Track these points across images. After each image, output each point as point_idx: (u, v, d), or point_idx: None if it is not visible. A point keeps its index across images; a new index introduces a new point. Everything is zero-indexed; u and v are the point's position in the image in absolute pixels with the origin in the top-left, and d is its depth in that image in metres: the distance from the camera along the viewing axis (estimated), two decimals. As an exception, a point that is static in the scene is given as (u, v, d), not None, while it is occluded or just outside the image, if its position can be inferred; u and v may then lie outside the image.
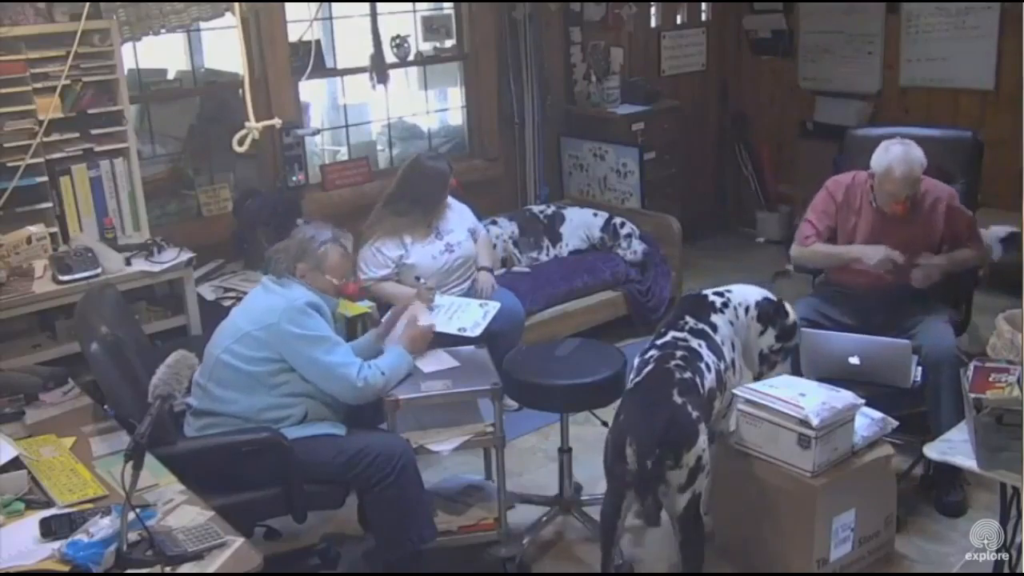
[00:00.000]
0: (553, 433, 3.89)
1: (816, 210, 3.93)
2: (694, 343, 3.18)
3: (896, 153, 3.60)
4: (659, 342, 3.21)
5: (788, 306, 3.47)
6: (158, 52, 4.91)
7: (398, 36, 5.43)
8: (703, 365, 3.11)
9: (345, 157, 5.60)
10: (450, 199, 4.37)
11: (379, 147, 5.88)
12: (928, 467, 3.65)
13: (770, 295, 3.46)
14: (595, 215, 5.37)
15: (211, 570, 2.18)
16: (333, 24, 5.37)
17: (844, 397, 3.14)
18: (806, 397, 3.09)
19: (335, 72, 5.43)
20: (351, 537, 3.48)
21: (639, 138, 5.97)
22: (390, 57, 5.37)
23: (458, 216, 4.38)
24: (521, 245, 5.17)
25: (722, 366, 3.19)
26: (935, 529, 3.51)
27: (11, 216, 3.77)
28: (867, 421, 3.24)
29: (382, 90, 5.35)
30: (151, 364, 2.60)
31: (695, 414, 2.89)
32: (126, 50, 4.18)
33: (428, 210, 4.21)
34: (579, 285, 5.07)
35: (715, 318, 3.31)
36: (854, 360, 3.51)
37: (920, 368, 3.53)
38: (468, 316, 3.97)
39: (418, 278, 4.12)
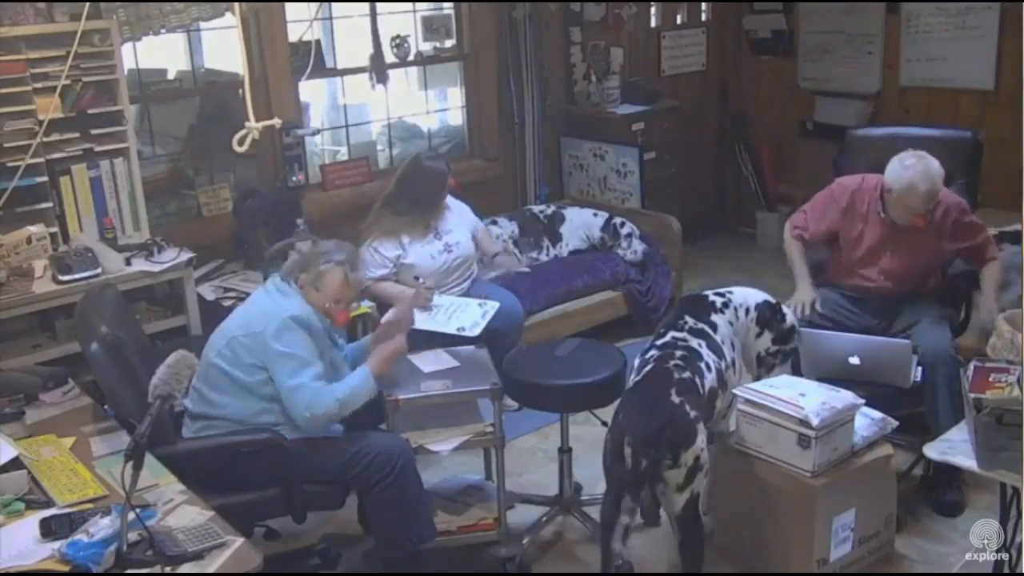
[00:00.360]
0: (553, 433, 3.89)
1: (815, 207, 3.92)
2: (694, 343, 3.18)
3: (918, 169, 3.54)
4: (659, 342, 3.21)
5: (787, 309, 3.47)
6: (158, 52, 4.91)
7: (398, 36, 5.43)
8: (703, 365, 3.11)
9: (345, 157, 5.60)
10: (449, 199, 4.37)
11: (379, 147, 5.88)
12: (928, 467, 3.66)
13: (770, 298, 3.46)
14: (595, 215, 5.37)
15: (211, 570, 2.19)
16: (333, 24, 5.37)
17: (844, 397, 3.14)
18: (806, 397, 3.09)
19: (335, 72, 5.43)
20: (351, 537, 3.48)
21: (639, 138, 5.97)
22: (390, 57, 5.37)
23: (457, 216, 4.37)
24: (521, 245, 5.17)
25: (723, 365, 3.20)
26: (935, 529, 3.51)
27: (11, 216, 3.77)
28: (867, 421, 3.24)
29: (382, 90, 5.35)
30: (151, 364, 2.60)
31: (693, 413, 2.89)
32: (126, 50, 4.18)
33: (427, 210, 4.21)
34: (579, 285, 5.07)
35: (715, 318, 3.31)
36: (854, 360, 3.51)
37: (920, 368, 3.53)
38: (467, 316, 3.98)
39: (417, 278, 4.12)
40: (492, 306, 4.04)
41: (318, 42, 5.10)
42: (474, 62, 5.76)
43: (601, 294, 5.15)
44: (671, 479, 2.84)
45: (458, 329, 3.88)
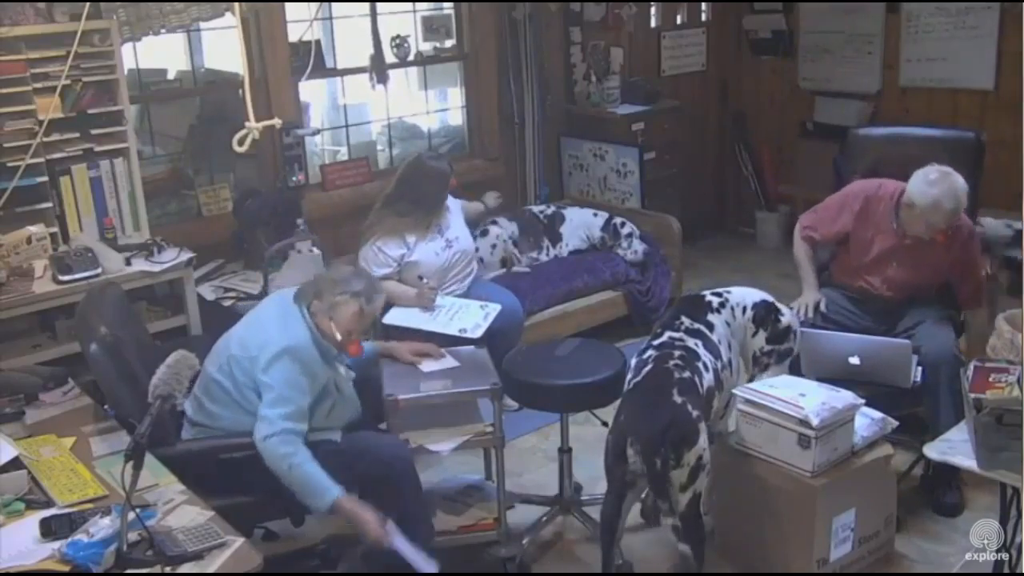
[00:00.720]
0: (553, 433, 3.89)
1: (829, 209, 3.89)
2: (691, 343, 3.18)
3: (943, 187, 3.49)
4: (656, 342, 3.21)
5: (785, 310, 3.46)
6: (158, 52, 4.92)
7: (398, 36, 5.43)
8: (701, 364, 3.10)
9: (345, 157, 5.60)
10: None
11: (379, 147, 5.88)
12: (928, 467, 3.66)
13: (768, 298, 3.45)
14: (595, 215, 5.37)
15: (211, 570, 2.19)
16: (333, 24, 5.38)
17: (844, 397, 3.14)
18: (806, 397, 3.09)
19: (335, 72, 5.44)
20: (351, 538, 3.47)
21: (639, 138, 5.97)
22: (390, 57, 5.37)
23: (454, 213, 4.38)
24: (521, 245, 5.17)
25: (719, 365, 3.19)
26: (935, 529, 3.51)
27: (11, 216, 3.77)
28: (867, 421, 3.24)
29: (382, 90, 5.35)
30: (152, 364, 2.60)
31: (695, 413, 2.89)
32: (126, 50, 4.18)
33: (430, 211, 4.20)
34: (579, 285, 5.07)
35: (711, 317, 3.31)
36: (854, 360, 3.51)
37: (920, 368, 3.53)
38: (469, 317, 3.98)
39: (421, 277, 4.12)
40: (494, 308, 4.04)
41: (318, 42, 5.10)
42: (474, 62, 5.76)
43: (601, 294, 5.15)
44: (674, 479, 2.84)
45: (460, 330, 3.88)
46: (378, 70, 5.25)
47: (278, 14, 4.83)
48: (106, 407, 2.97)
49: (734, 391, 3.25)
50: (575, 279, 5.06)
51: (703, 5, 6.70)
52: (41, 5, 3.83)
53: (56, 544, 2.23)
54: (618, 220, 5.30)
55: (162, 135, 4.92)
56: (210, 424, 3.02)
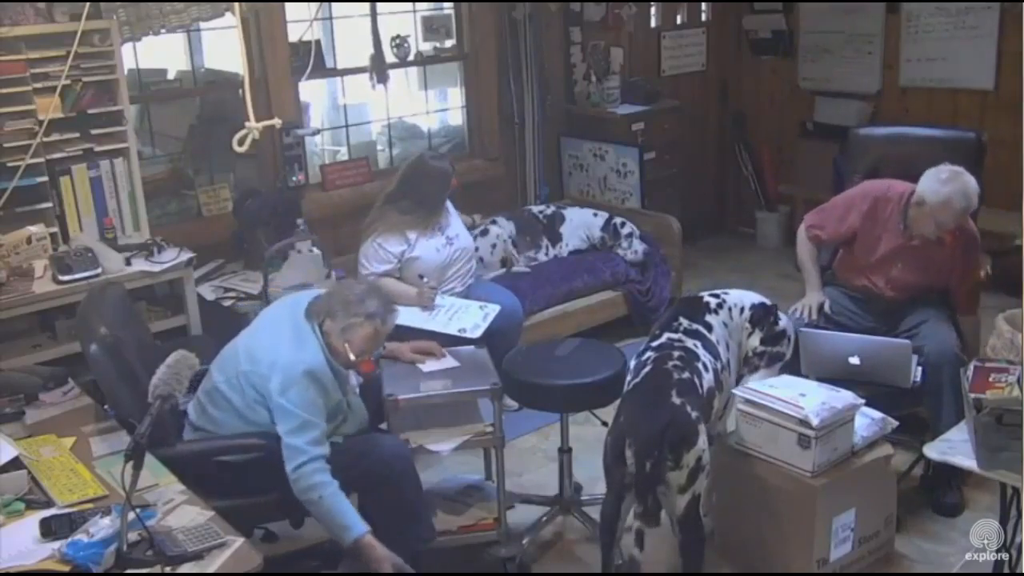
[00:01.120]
0: (553, 433, 3.89)
1: (836, 208, 3.87)
2: (689, 343, 3.17)
3: (955, 186, 3.48)
4: (654, 344, 3.20)
5: (782, 314, 3.45)
6: (158, 52, 4.92)
7: (398, 36, 5.43)
8: (700, 365, 3.10)
9: (345, 157, 5.60)
10: None
11: (379, 147, 5.88)
12: (928, 467, 3.66)
13: (767, 301, 3.46)
14: (595, 215, 5.37)
15: (211, 570, 2.19)
16: (333, 24, 5.38)
17: (844, 397, 3.14)
18: (806, 397, 3.09)
19: (335, 72, 5.44)
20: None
21: (639, 138, 5.97)
22: (390, 57, 5.37)
23: (453, 214, 4.37)
24: (520, 245, 5.17)
25: (719, 366, 3.19)
26: (935, 529, 3.51)
27: (11, 216, 3.77)
28: (867, 421, 3.24)
29: (382, 90, 5.35)
30: (152, 364, 2.60)
31: (694, 414, 2.88)
32: (126, 50, 4.18)
33: (431, 211, 4.20)
34: (579, 285, 5.07)
35: (710, 318, 3.31)
36: (854, 360, 3.51)
37: (920, 368, 3.53)
38: (468, 317, 3.98)
39: (421, 276, 4.12)
40: (493, 308, 4.04)
41: (318, 42, 5.10)
42: (474, 62, 5.76)
43: (601, 294, 5.15)
44: (673, 480, 2.83)
45: (459, 330, 3.88)
46: (378, 70, 5.25)
47: (278, 14, 4.83)
48: (106, 407, 2.97)
49: (733, 391, 3.25)
50: (575, 279, 5.06)
51: (703, 5, 6.70)
52: (41, 5, 3.83)
53: (56, 544, 2.23)
54: (618, 220, 5.30)
55: (162, 135, 4.92)
56: (213, 430, 3.01)
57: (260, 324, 3.14)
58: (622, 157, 5.74)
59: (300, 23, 4.90)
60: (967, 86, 5.68)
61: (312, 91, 5.60)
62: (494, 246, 5.01)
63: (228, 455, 2.96)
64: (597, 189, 5.92)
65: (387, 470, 2.99)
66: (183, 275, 3.99)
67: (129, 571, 2.16)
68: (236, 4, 3.50)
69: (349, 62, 5.43)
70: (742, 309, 3.39)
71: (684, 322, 3.26)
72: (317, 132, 5.32)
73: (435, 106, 6.08)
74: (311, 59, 4.49)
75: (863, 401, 3.19)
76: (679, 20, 6.59)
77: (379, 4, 5.22)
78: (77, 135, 3.92)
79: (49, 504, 2.43)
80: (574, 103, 6.19)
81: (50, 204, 3.88)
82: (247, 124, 3.08)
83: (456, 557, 3.36)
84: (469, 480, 3.66)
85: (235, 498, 2.84)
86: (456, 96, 6.01)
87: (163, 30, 4.21)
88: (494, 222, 5.13)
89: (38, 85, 3.76)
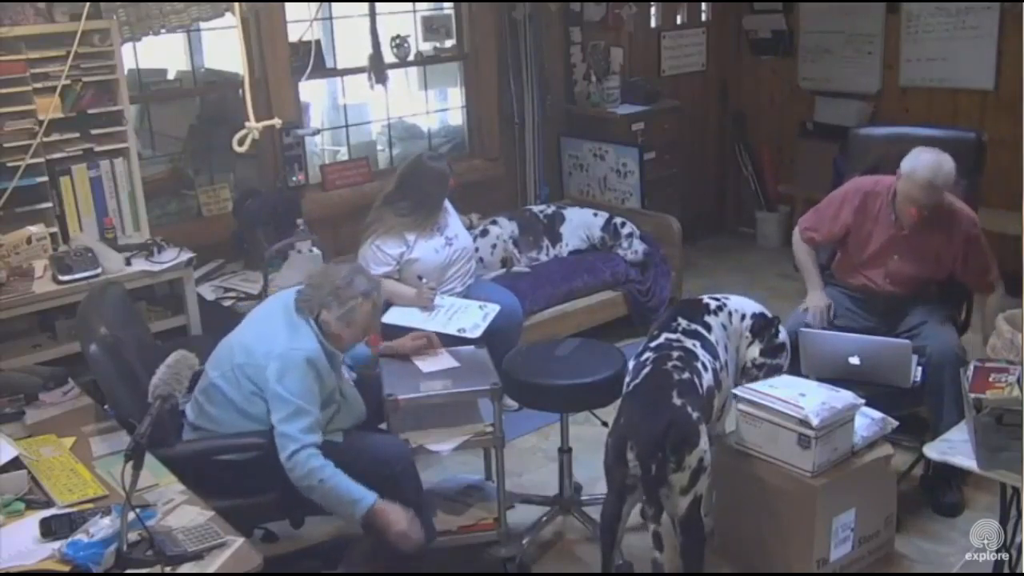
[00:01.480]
0: (553, 433, 3.89)
1: (829, 207, 3.88)
2: (688, 343, 3.17)
3: (926, 159, 3.52)
4: (653, 344, 3.20)
5: (782, 328, 3.46)
6: (158, 52, 4.92)
7: (398, 36, 5.43)
8: (699, 365, 3.10)
9: (345, 157, 5.60)
10: None
11: (379, 147, 5.88)
12: (928, 467, 3.66)
13: (767, 312, 3.46)
14: (595, 215, 5.37)
15: (211, 570, 2.19)
16: (333, 24, 5.38)
17: (844, 397, 3.14)
18: (806, 397, 3.09)
19: (335, 72, 5.44)
20: (351, 537, 3.47)
21: (639, 138, 5.97)
22: (390, 57, 5.37)
23: (452, 214, 4.37)
24: (521, 245, 5.17)
25: (717, 365, 3.19)
26: (935, 529, 3.51)
27: (11, 216, 3.78)
28: (867, 421, 3.24)
29: (382, 90, 5.35)
30: (152, 364, 2.60)
31: (695, 415, 2.88)
32: (126, 50, 4.18)
33: (430, 212, 4.20)
34: (579, 285, 5.07)
35: (709, 319, 3.31)
36: (854, 360, 3.51)
37: (920, 368, 3.53)
38: (468, 317, 3.98)
39: (420, 277, 4.12)
40: (493, 308, 4.04)
41: (318, 42, 5.10)
42: (474, 62, 5.76)
43: (601, 294, 5.15)
44: (675, 482, 2.83)
45: (459, 330, 3.88)
46: (378, 70, 5.25)
47: (278, 14, 4.84)
48: (106, 407, 2.97)
49: (733, 391, 3.25)
50: (575, 279, 5.06)
51: (703, 5, 6.70)
52: (41, 5, 3.83)
53: (56, 544, 2.23)
54: (618, 220, 5.30)
55: (162, 135, 4.92)
56: (212, 428, 3.01)
57: (252, 319, 3.15)
58: (622, 157, 5.74)
59: (300, 23, 4.91)
60: (967, 86, 5.68)
61: (312, 91, 5.60)
62: (494, 246, 5.01)
63: (228, 454, 2.96)
64: (597, 189, 5.92)
65: (387, 470, 2.99)
66: (183, 275, 3.99)
67: (129, 571, 2.16)
68: (236, 4, 3.50)
69: (349, 62, 5.43)
70: (743, 316, 3.39)
71: (683, 322, 3.26)
72: (317, 132, 5.33)
73: (435, 106, 6.08)
74: (311, 59, 4.49)
75: (863, 401, 3.19)
76: (679, 20, 6.59)
77: (379, 4, 5.22)
78: (77, 135, 3.93)
79: (49, 504, 2.43)
80: (574, 103, 6.19)
81: (50, 204, 3.88)
82: (247, 124, 3.09)
83: (456, 557, 3.36)
84: (469, 480, 3.66)
85: (235, 498, 2.83)
86: (456, 96, 6.01)
87: (163, 30, 4.21)
88: (494, 222, 5.14)
89: (38, 85, 3.76)
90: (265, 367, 2.90)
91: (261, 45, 4.82)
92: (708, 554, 3.03)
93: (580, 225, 5.33)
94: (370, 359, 3.43)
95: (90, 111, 3.93)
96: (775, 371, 3.39)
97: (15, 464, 2.55)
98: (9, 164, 3.72)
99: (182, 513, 2.40)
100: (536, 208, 5.45)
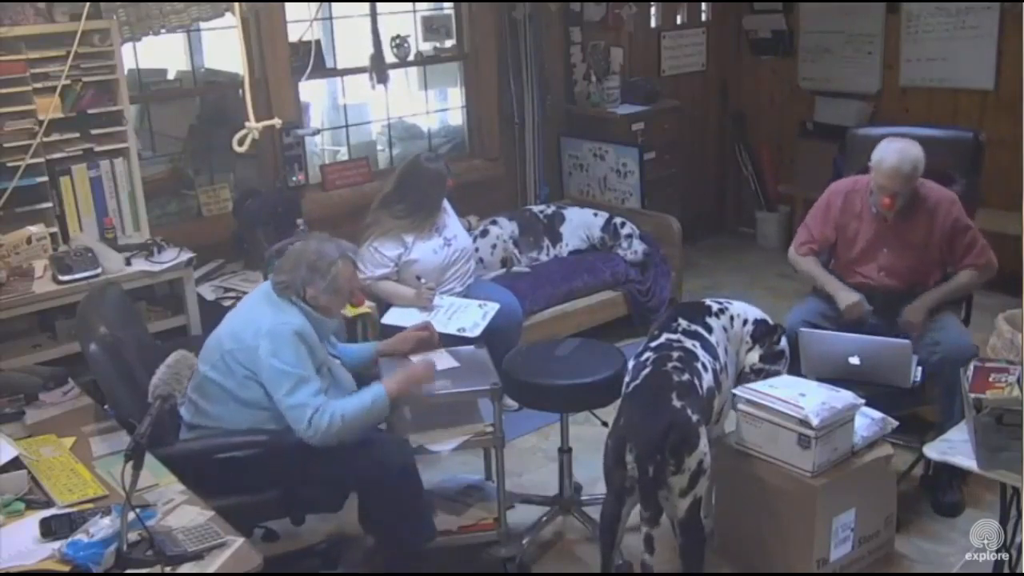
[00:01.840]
0: (553, 433, 3.89)
1: (815, 217, 3.92)
2: (688, 344, 3.17)
3: (893, 147, 3.58)
4: (653, 344, 3.20)
5: (783, 337, 3.45)
6: (158, 52, 4.92)
7: (398, 36, 5.43)
8: (699, 365, 3.10)
9: (345, 157, 5.60)
10: None
11: (379, 147, 5.88)
12: (928, 467, 3.66)
13: (768, 318, 3.46)
14: (595, 215, 5.37)
15: (211, 570, 2.19)
16: (333, 24, 5.38)
17: (844, 397, 3.14)
18: (806, 397, 3.09)
19: (335, 72, 5.44)
20: (351, 537, 3.48)
21: (639, 138, 5.97)
22: (390, 57, 5.37)
23: (451, 215, 4.38)
24: (521, 245, 5.17)
25: (717, 367, 3.19)
26: (935, 529, 3.51)
27: (11, 216, 3.78)
28: (867, 421, 3.24)
29: (382, 90, 5.35)
30: (152, 364, 2.60)
31: (695, 417, 2.87)
32: (126, 50, 4.18)
33: (429, 214, 4.20)
34: (579, 285, 5.07)
35: (710, 320, 3.31)
36: (854, 360, 3.51)
37: (920, 368, 3.53)
38: (467, 317, 3.98)
39: (419, 278, 4.12)
40: (492, 307, 4.04)
41: (318, 42, 5.10)
42: (474, 62, 5.76)
43: (601, 294, 5.15)
44: (675, 484, 2.82)
45: (459, 330, 3.88)
46: (378, 70, 5.25)
47: (278, 14, 4.83)
48: (106, 407, 2.97)
49: (733, 391, 3.25)
50: (575, 279, 5.06)
51: (703, 5, 6.70)
52: (41, 5, 3.83)
53: (56, 544, 2.23)
54: (618, 220, 5.30)
55: (162, 135, 4.92)
56: (208, 425, 3.01)
57: (236, 311, 3.18)
58: (622, 157, 5.74)
59: (300, 23, 4.91)
60: (967, 86, 5.68)
61: (312, 91, 5.60)
62: (494, 246, 5.01)
63: (227, 452, 2.95)
64: (597, 189, 5.92)
65: (387, 469, 3.00)
66: (183, 275, 3.99)
67: (129, 571, 2.16)
68: (236, 4, 3.50)
69: (349, 62, 5.43)
70: (745, 321, 3.39)
71: (683, 323, 3.26)
72: (317, 132, 5.33)
73: (435, 106, 6.08)
74: (311, 59, 4.49)
75: (863, 401, 3.19)
76: (679, 20, 6.59)
77: (379, 4, 5.22)
78: (77, 135, 3.93)
79: (49, 504, 2.43)
80: (574, 103, 6.19)
81: (50, 204, 3.88)
82: (247, 124, 3.09)
83: (456, 557, 3.36)
84: (469, 480, 3.66)
85: (236, 496, 2.84)
86: (456, 96, 6.01)
87: (163, 30, 4.21)
88: (494, 222, 5.14)
89: (38, 85, 3.76)
90: (256, 347, 2.92)
91: (261, 45, 4.82)
92: (708, 554, 3.03)
93: (580, 225, 5.33)
94: (370, 359, 3.43)
95: (90, 111, 3.93)
96: (773, 377, 3.38)
97: (15, 464, 2.55)
98: (9, 164, 3.72)
99: (182, 513, 2.40)
100: (536, 208, 5.45)
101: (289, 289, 3.03)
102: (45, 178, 3.83)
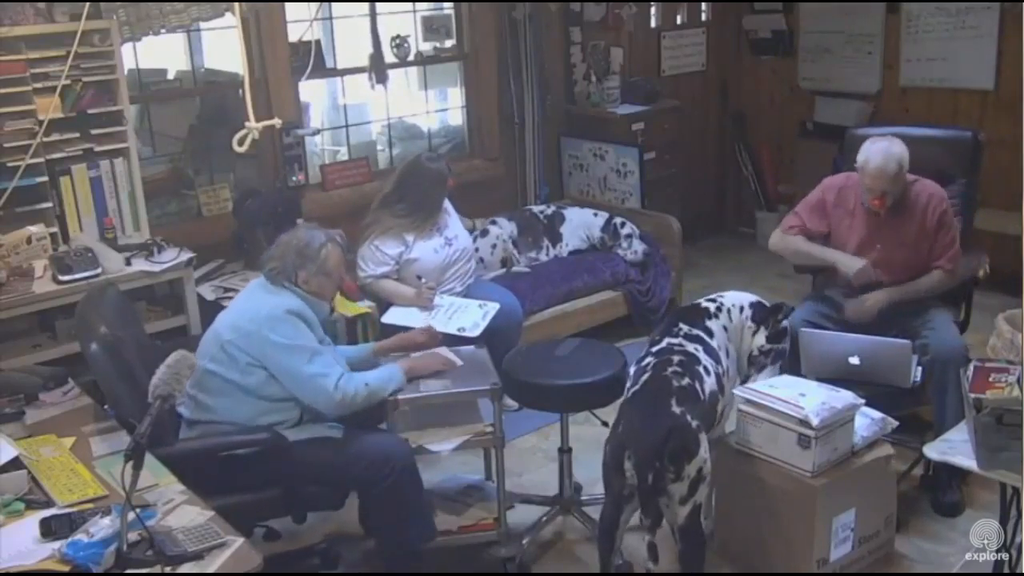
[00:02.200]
0: (553, 433, 3.89)
1: (807, 206, 3.90)
2: (690, 347, 3.16)
3: (877, 147, 3.58)
4: (654, 349, 3.19)
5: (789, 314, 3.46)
6: (158, 52, 4.92)
7: (398, 36, 5.43)
8: (701, 369, 3.09)
9: (345, 157, 5.60)
10: None
11: (379, 147, 5.88)
12: (928, 467, 3.66)
13: (763, 300, 3.46)
14: (595, 215, 5.37)
15: (211, 570, 2.19)
16: (333, 24, 5.38)
17: (844, 397, 3.14)
18: (806, 397, 3.09)
19: (335, 72, 5.44)
20: (351, 537, 3.48)
21: (639, 138, 5.97)
22: (390, 57, 5.37)
23: (451, 214, 4.37)
24: (521, 245, 5.17)
25: (720, 370, 3.18)
26: (935, 529, 3.51)
27: (11, 216, 3.78)
28: (867, 421, 3.24)
29: (382, 90, 5.35)
30: (152, 364, 2.60)
31: (695, 424, 2.85)
32: (126, 50, 4.18)
33: (429, 214, 4.20)
34: (579, 285, 5.07)
35: (710, 323, 3.30)
36: (854, 360, 3.51)
37: (920, 368, 3.53)
38: (468, 316, 3.98)
39: (419, 277, 4.12)
40: (492, 307, 4.04)
41: (318, 42, 5.10)
42: (474, 62, 5.76)
43: (601, 294, 5.15)
44: (675, 492, 2.81)
45: (459, 329, 3.88)
46: (378, 70, 5.25)
47: (278, 14, 4.83)
48: (106, 407, 2.97)
49: (734, 391, 3.25)
50: (575, 279, 5.06)
51: (703, 5, 6.70)
52: (41, 5, 3.83)
53: (56, 544, 2.23)
54: (618, 220, 5.30)
55: (162, 135, 4.92)
56: (209, 418, 3.02)
57: (232, 305, 3.25)
58: (622, 157, 5.74)
59: (300, 23, 4.90)
60: (967, 86, 5.68)
61: (312, 91, 5.60)
62: (494, 246, 5.01)
63: (227, 451, 2.95)
64: (597, 189, 5.92)
65: (388, 469, 3.00)
66: (183, 275, 3.99)
67: (129, 571, 2.16)
68: (236, 4, 3.50)
69: (349, 62, 5.43)
70: (741, 308, 3.39)
71: (684, 327, 3.26)
72: (317, 132, 5.33)
73: (435, 106, 6.08)
74: (311, 59, 4.49)
75: (863, 401, 3.19)
76: (679, 20, 6.59)
77: (379, 4, 5.22)
78: (77, 135, 3.93)
79: (49, 504, 2.43)
80: (574, 103, 6.19)
81: (50, 204, 3.88)
82: (247, 124, 3.09)
83: (456, 557, 3.36)
84: (469, 480, 3.66)
85: (237, 495, 2.84)
86: (456, 96, 6.01)
87: (163, 30, 4.21)
88: (494, 222, 5.14)
89: (38, 85, 3.76)
90: (256, 332, 2.97)
91: (261, 45, 4.82)
92: (708, 555, 3.03)
93: (580, 225, 5.33)
94: (367, 359, 3.43)
95: (90, 111, 3.93)
96: (781, 356, 3.42)
97: (15, 464, 2.55)
98: (9, 164, 3.72)
99: (182, 513, 2.40)
100: (536, 208, 5.45)
101: (282, 275, 3.09)
102: (45, 178, 3.83)
